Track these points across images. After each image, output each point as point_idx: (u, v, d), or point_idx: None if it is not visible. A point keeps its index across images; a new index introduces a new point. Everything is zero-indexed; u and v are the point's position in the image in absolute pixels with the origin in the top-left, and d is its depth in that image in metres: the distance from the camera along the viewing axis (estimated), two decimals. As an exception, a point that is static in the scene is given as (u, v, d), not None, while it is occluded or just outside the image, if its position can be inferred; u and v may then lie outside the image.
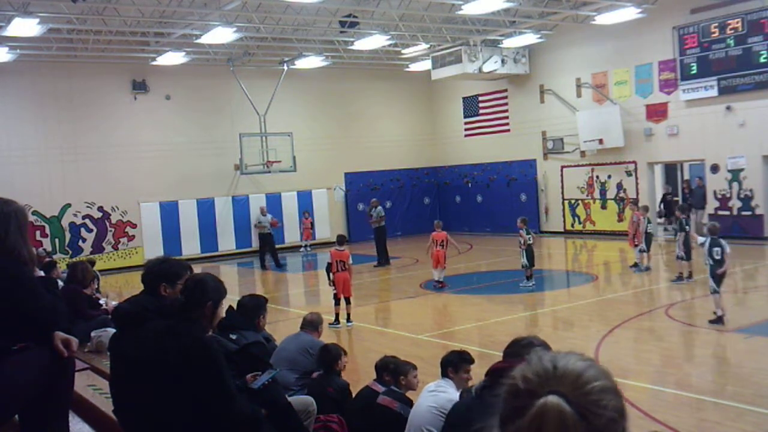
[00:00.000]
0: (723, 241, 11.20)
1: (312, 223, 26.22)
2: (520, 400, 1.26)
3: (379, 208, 21.11)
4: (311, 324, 7.49)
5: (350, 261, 12.64)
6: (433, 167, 30.09)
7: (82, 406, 5.15)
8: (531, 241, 15.26)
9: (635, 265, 16.73)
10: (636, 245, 16.75)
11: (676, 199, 24.04)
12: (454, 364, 5.51)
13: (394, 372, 5.99)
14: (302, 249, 25.68)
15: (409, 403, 5.74)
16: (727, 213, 20.61)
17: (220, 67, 24.32)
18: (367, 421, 5.67)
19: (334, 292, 12.63)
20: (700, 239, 11.70)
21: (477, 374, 5.79)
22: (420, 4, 19.56)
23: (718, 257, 11.08)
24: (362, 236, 22.58)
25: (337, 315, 12.57)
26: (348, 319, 12.70)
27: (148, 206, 23.74)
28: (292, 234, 26.16)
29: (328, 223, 27.14)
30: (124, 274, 22.18)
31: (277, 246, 24.70)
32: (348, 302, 12.70)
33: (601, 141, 22.94)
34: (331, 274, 12.54)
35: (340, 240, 13.38)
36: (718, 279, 11.00)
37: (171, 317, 3.77)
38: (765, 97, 19.23)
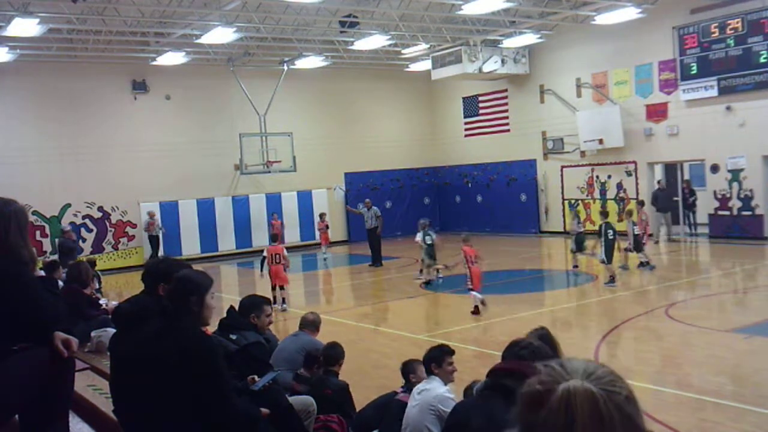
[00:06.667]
0: (613, 224, 15.33)
1: (321, 224, 24.86)
2: (540, 398, 1.35)
3: (375, 208, 21.06)
4: (311, 324, 7.49)
5: (284, 254, 14.69)
6: (433, 167, 30.09)
7: (82, 406, 5.15)
8: (430, 242, 16.46)
9: (645, 264, 16.66)
10: (644, 243, 16.83)
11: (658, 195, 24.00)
12: (436, 358, 5.55)
13: (404, 372, 6.15)
14: (323, 254, 23.15)
15: None
16: (727, 213, 20.61)
17: (220, 67, 24.32)
18: (386, 418, 5.74)
19: (272, 284, 14.68)
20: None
21: (478, 374, 5.80)
22: (420, 4, 19.57)
23: (611, 237, 14.74)
24: (362, 236, 22.56)
25: (274, 298, 14.20)
26: (283, 302, 14.63)
27: (148, 206, 23.72)
28: (291, 234, 26.11)
29: (329, 223, 27.09)
30: (124, 274, 22.19)
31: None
32: (282, 288, 14.74)
33: (601, 141, 22.94)
34: (266, 267, 14.77)
35: (274, 237, 16.11)
36: (610, 254, 14.75)
37: (167, 317, 3.77)
38: (765, 97, 19.22)
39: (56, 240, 21.54)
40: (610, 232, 14.93)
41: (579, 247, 16.93)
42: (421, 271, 17.20)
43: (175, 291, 3.81)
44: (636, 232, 16.11)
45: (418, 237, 16.85)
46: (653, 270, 16.27)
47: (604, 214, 15.90)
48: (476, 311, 12.74)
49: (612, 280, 14.80)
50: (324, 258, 22.53)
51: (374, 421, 5.83)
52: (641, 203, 18.74)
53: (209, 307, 3.84)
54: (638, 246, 16.34)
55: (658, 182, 22.02)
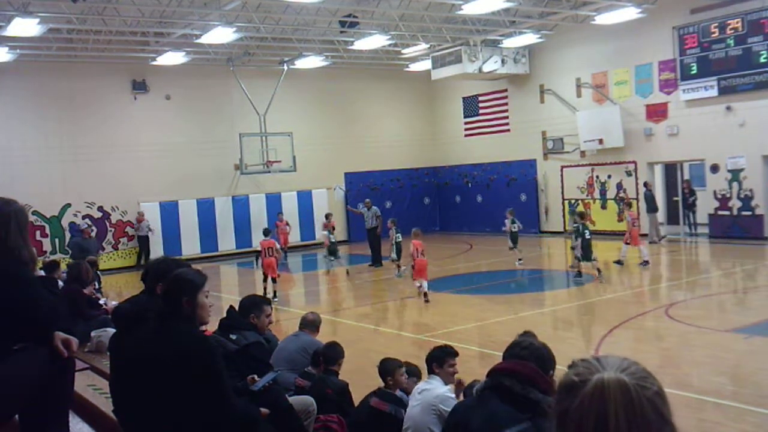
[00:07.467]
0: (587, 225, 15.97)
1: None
2: (576, 388, 1.45)
3: (375, 208, 21.00)
4: (312, 324, 7.49)
5: (276, 247, 15.76)
6: (433, 167, 30.09)
7: (82, 406, 5.15)
8: (399, 239, 18.17)
9: (646, 263, 16.78)
10: (627, 243, 16.95)
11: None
12: (438, 359, 5.53)
13: (381, 373, 5.94)
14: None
15: (401, 403, 5.71)
16: (727, 213, 20.61)
17: (220, 67, 24.31)
18: (365, 425, 5.69)
19: (264, 274, 15.56)
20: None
21: (478, 374, 5.80)
22: (420, 4, 19.56)
23: (588, 237, 15.36)
24: (362, 236, 22.56)
25: (265, 290, 15.03)
26: (274, 296, 15.07)
27: (148, 206, 23.72)
28: (291, 234, 26.08)
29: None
30: (124, 274, 22.19)
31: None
32: (274, 281, 15.49)
33: (601, 141, 22.94)
34: (260, 260, 15.63)
35: (266, 232, 16.64)
36: (589, 252, 15.29)
37: (162, 318, 3.76)
38: (765, 97, 19.22)
39: (71, 238, 21.56)
40: (587, 232, 15.56)
41: (515, 244, 18.97)
42: (399, 267, 18.15)
43: (167, 291, 3.81)
44: (587, 237, 15.55)
45: (324, 233, 19.03)
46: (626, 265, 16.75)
47: (580, 215, 16.53)
48: (427, 299, 14.11)
49: (599, 272, 15.42)
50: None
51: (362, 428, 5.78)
52: (629, 204, 18.78)
53: (203, 305, 3.80)
54: (587, 254, 15.56)
55: (645, 184, 21.88)
